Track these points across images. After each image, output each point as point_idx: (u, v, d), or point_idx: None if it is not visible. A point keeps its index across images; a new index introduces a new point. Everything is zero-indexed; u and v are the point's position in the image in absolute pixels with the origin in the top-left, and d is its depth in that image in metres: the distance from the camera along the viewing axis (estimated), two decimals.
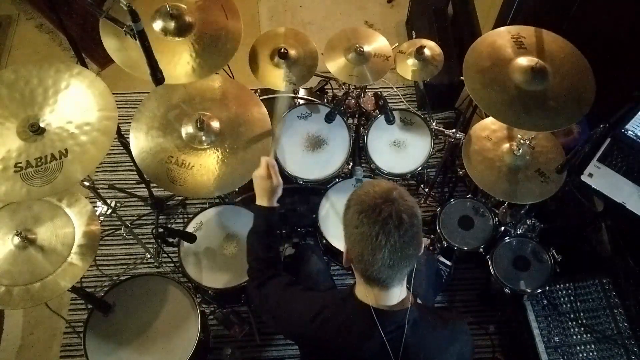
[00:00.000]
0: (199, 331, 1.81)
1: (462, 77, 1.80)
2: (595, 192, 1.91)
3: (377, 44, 2.07)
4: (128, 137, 1.78)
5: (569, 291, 2.04)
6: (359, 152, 2.24)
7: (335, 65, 2.02)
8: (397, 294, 1.17)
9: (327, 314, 1.23)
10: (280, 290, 1.36)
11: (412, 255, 1.10)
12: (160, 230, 1.77)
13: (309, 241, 2.38)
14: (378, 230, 1.05)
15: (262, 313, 1.40)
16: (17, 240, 1.61)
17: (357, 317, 1.19)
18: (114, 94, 1.55)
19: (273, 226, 1.50)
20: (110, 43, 1.66)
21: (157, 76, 1.44)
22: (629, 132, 1.95)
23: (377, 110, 2.23)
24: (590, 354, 1.92)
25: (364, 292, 1.17)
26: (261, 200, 1.51)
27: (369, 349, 1.18)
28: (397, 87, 2.98)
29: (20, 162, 1.42)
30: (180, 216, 2.59)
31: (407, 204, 1.08)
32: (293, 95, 2.28)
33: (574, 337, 1.96)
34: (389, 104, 2.10)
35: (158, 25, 1.70)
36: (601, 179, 1.90)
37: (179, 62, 1.68)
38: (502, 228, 2.16)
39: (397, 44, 2.14)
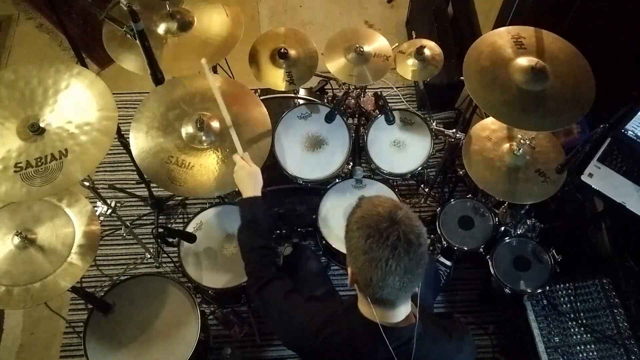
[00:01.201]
0: (199, 331, 1.81)
1: (462, 77, 1.80)
2: (595, 192, 1.90)
3: (377, 44, 2.07)
4: (128, 137, 1.78)
5: (569, 291, 2.04)
6: (359, 152, 2.24)
7: (335, 65, 2.02)
8: (404, 311, 1.17)
9: (331, 328, 1.21)
10: (281, 298, 1.34)
11: (421, 274, 1.09)
12: (160, 230, 1.77)
13: (308, 241, 2.38)
14: (388, 255, 1.04)
15: (264, 318, 1.39)
16: (17, 240, 1.61)
17: (361, 333, 1.18)
18: (114, 94, 1.56)
19: (260, 214, 1.49)
20: (111, 44, 1.67)
21: (157, 76, 1.45)
22: (629, 132, 1.95)
23: (377, 110, 2.23)
24: (590, 354, 1.92)
25: (369, 310, 1.16)
26: (245, 193, 1.52)
27: None
28: (397, 87, 2.98)
29: (20, 162, 1.42)
30: (180, 216, 2.59)
31: (412, 223, 1.07)
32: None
33: (574, 337, 1.96)
34: (389, 104, 2.10)
35: (162, 28, 1.72)
36: (601, 179, 1.90)
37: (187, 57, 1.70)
38: (502, 228, 2.16)
39: (397, 44, 2.14)
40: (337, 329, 1.21)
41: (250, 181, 1.53)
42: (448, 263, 2.22)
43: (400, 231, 1.04)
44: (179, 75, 1.77)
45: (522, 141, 1.93)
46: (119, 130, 2.04)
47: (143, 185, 2.47)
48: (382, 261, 1.04)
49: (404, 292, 1.09)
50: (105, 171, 2.71)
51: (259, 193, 1.53)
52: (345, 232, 1.13)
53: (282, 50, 1.98)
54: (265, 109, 1.87)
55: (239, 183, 1.55)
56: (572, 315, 1.99)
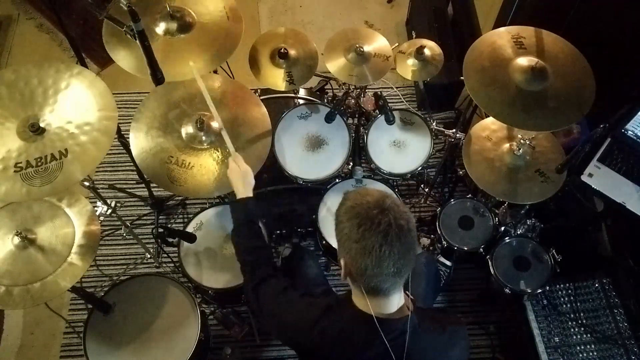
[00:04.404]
0: (199, 331, 1.81)
1: (462, 77, 1.80)
2: (595, 192, 1.91)
3: (377, 44, 2.07)
4: (128, 137, 1.78)
5: (569, 291, 2.04)
6: (359, 152, 2.24)
7: (335, 65, 2.02)
8: (397, 301, 1.17)
9: (325, 322, 1.22)
10: (276, 295, 1.34)
11: (413, 259, 1.11)
12: (160, 230, 1.77)
13: (308, 241, 2.38)
14: (381, 241, 1.05)
15: (260, 318, 1.39)
16: (17, 240, 1.61)
17: (356, 326, 1.18)
18: (114, 94, 1.55)
19: (252, 214, 1.51)
20: (111, 44, 1.67)
21: (157, 76, 1.44)
22: (629, 132, 1.95)
23: (377, 110, 2.23)
24: (590, 354, 1.93)
25: (362, 302, 1.17)
26: (237, 193, 1.54)
27: (370, 358, 1.18)
28: (397, 87, 2.98)
29: (20, 162, 1.42)
30: (180, 216, 2.59)
31: (401, 209, 1.09)
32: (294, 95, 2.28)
33: (574, 337, 1.96)
34: (389, 104, 2.10)
35: (161, 28, 1.72)
36: (601, 179, 1.90)
37: (189, 58, 1.72)
38: (502, 228, 2.16)
39: (397, 44, 2.14)
40: (331, 323, 1.22)
41: (239, 182, 1.55)
42: (448, 263, 2.22)
43: (391, 217, 1.06)
44: (179, 80, 1.77)
45: (522, 141, 1.93)
46: (119, 130, 2.04)
47: (143, 185, 2.47)
48: (375, 248, 1.06)
49: (398, 277, 1.11)
50: (105, 171, 2.71)
51: (250, 193, 1.54)
52: (335, 225, 1.15)
53: (282, 50, 1.98)
54: (265, 109, 1.87)
55: (235, 184, 1.56)
56: (572, 315, 1.99)
